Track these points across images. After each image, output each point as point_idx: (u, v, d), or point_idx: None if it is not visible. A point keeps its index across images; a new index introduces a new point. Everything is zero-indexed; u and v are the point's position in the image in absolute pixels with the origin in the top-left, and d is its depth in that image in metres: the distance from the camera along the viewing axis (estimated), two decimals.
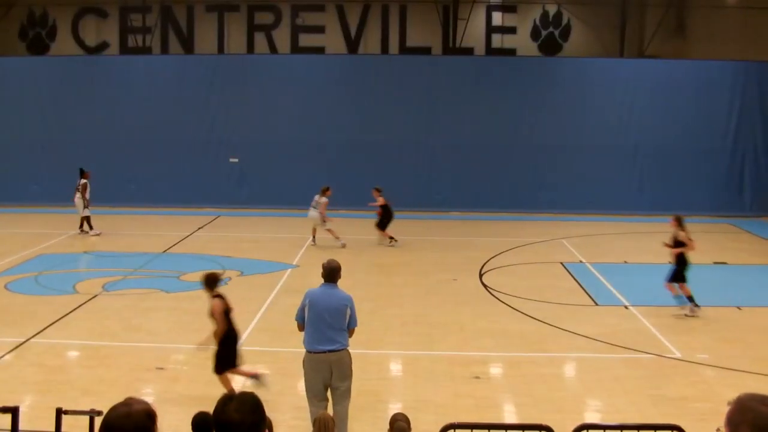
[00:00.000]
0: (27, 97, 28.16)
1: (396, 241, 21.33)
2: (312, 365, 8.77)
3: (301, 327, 8.87)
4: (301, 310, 8.84)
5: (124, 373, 11.75)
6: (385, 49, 30.73)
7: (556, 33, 30.21)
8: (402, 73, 28.05)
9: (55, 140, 27.87)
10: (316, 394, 8.80)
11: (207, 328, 13.72)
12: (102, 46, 32.09)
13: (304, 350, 8.89)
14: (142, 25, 30.92)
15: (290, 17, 31.13)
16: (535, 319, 14.68)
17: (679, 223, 15.31)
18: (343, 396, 8.86)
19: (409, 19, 30.69)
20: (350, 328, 8.90)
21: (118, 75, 28.52)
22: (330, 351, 8.70)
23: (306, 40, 30.92)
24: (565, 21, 30.16)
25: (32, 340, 13.15)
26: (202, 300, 15.52)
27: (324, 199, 20.86)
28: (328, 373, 8.73)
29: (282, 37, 31.16)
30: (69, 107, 27.94)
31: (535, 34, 30.35)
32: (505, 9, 30.66)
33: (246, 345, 12.92)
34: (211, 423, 4.09)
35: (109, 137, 27.57)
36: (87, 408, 8.04)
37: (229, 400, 4.03)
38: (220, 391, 9.08)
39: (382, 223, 21.61)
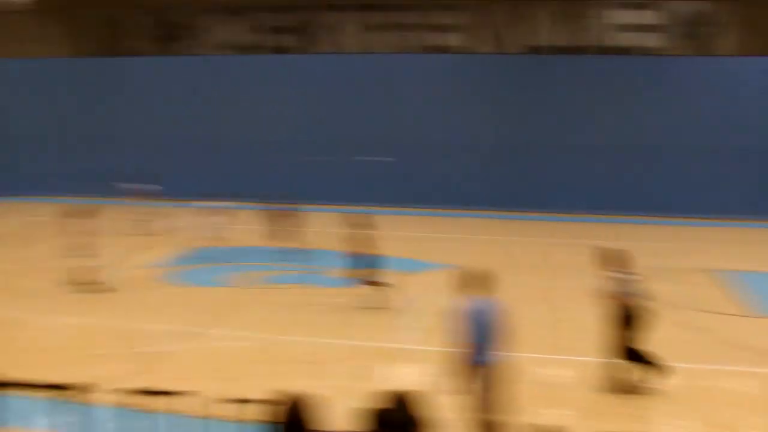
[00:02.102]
0: (157, 96, 29.60)
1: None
2: (473, 379, 8.64)
3: (463, 340, 8.62)
4: (463, 325, 8.59)
5: (278, 365, 11.91)
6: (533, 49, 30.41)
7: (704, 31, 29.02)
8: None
9: (192, 137, 29.21)
10: (472, 406, 8.68)
11: (359, 323, 13.78)
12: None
13: (453, 354, 8.77)
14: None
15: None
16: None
17: None
18: (494, 407, 8.73)
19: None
20: (502, 337, 8.72)
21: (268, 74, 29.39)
22: (487, 362, 8.58)
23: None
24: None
25: (193, 330, 13.55)
26: (356, 296, 15.67)
27: None
28: (488, 385, 8.61)
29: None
30: (214, 107, 29.15)
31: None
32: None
33: (400, 344, 12.98)
34: (384, 418, 4.05)
35: (243, 136, 28.77)
36: (241, 397, 8.21)
37: (401, 397, 3.99)
38: (374, 387, 9.07)
39: None
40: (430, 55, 30.25)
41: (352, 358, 12.38)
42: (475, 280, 8.76)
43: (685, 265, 19.27)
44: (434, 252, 20.06)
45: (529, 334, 12.91)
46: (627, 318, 10.52)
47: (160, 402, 7.97)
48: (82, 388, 5.11)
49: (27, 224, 24.50)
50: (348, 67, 28.75)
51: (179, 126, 29.07)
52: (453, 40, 30.83)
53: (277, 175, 27.26)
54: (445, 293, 15.42)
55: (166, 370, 11.79)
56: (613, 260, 10.71)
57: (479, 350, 8.56)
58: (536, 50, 29.81)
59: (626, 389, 10.62)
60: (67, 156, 29.43)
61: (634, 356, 10.56)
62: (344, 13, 31.60)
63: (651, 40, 29.34)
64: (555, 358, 12.52)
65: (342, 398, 10.30)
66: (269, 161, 28.08)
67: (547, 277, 17.84)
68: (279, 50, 31.74)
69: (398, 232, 22.85)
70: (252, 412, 6.97)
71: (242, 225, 23.30)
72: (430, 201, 26.86)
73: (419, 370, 11.86)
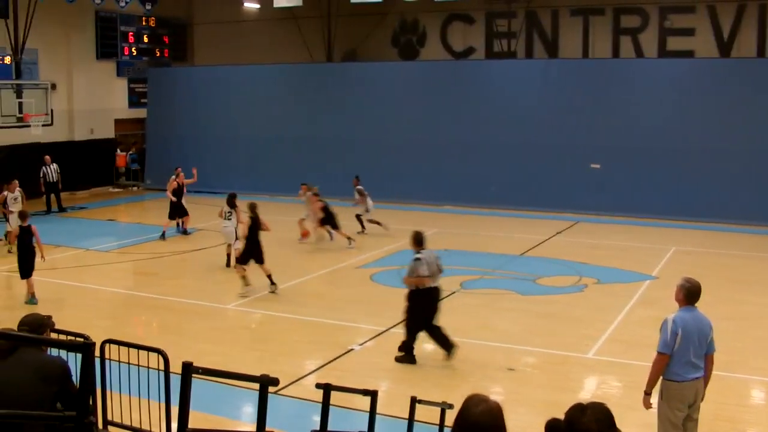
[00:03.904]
0: (396, 100, 29.74)
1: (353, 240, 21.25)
2: (680, 395, 8.21)
3: (667, 358, 8.13)
4: (672, 339, 8.07)
5: (475, 370, 11.99)
6: (761, 52, 28.60)
7: None
8: None
9: (421, 141, 29.08)
10: (676, 424, 8.27)
11: (558, 333, 13.69)
12: (468, 51, 33.21)
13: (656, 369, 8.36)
14: (507, 30, 31.54)
15: (658, 19, 30.07)
16: None
17: None
18: (695, 424, 8.33)
19: None
20: (709, 354, 8.30)
21: (484, 79, 29.14)
22: (696, 379, 8.17)
23: (674, 43, 29.70)
24: None
25: (392, 329, 13.86)
26: (557, 304, 15.60)
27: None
28: (693, 402, 8.22)
29: (649, 40, 30.20)
30: (436, 110, 29.04)
31: None
32: None
33: (598, 355, 12.70)
34: (564, 430, 3.98)
35: (472, 139, 28.27)
36: (438, 400, 8.31)
37: (584, 409, 3.91)
38: (570, 398, 8.92)
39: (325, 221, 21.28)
40: (649, 59, 29.29)
41: (547, 367, 12.25)
42: (689, 292, 8.36)
43: None
44: (639, 262, 19.41)
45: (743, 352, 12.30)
46: None
47: (343, 398, 8.22)
48: (272, 381, 5.36)
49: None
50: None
51: (406, 130, 29.48)
52: (676, 43, 29.73)
53: (506, 180, 27.35)
54: (653, 304, 15.14)
55: (357, 368, 12.15)
56: None
57: (686, 365, 8.20)
58: None
59: None
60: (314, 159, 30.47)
61: None
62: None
63: None
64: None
65: (534, 407, 10.28)
66: (504, 166, 27.95)
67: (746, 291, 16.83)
68: (494, 55, 31.88)
69: (606, 241, 22.34)
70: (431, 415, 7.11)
71: (468, 230, 23.67)
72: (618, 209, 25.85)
73: (618, 382, 11.58)
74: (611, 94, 26.82)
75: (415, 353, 12.31)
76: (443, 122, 28.82)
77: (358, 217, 23.01)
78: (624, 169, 26.46)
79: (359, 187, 22.91)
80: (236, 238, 18.25)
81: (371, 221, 22.87)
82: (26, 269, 15.64)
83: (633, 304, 15.69)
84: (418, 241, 12.34)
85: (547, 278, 17.66)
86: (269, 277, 16.40)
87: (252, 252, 16.32)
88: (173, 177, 22.78)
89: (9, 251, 19.65)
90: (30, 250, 15.70)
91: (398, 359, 12.32)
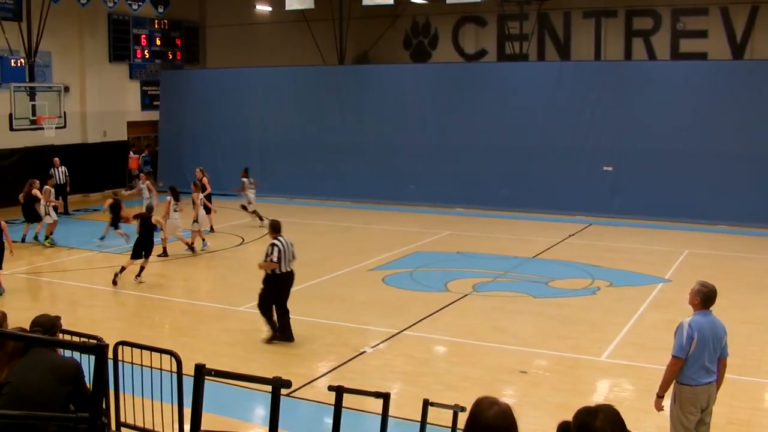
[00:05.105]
0: (408, 102, 29.73)
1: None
2: (693, 399, 8.16)
3: (681, 362, 8.10)
4: (687, 343, 8.03)
5: (487, 373, 11.97)
6: None
7: None
8: None
9: (433, 144, 29.09)
10: (689, 428, 8.21)
11: (570, 336, 13.66)
12: (481, 54, 33.23)
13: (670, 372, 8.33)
14: (519, 32, 31.51)
15: (670, 21, 29.99)
16: None
17: None
18: (708, 428, 8.30)
19: None
20: (722, 358, 8.26)
21: (496, 82, 29.08)
22: (709, 383, 8.14)
23: (687, 45, 29.61)
24: None
25: (404, 332, 13.86)
26: (570, 307, 15.57)
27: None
28: (706, 406, 8.18)
29: (661, 42, 30.13)
30: (448, 113, 29.02)
31: None
32: None
33: (611, 358, 12.66)
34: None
35: (484, 142, 28.24)
36: (451, 403, 8.29)
37: (595, 412, 3.89)
38: (582, 401, 8.90)
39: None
40: (662, 62, 29.18)
41: (560, 370, 12.22)
42: (705, 296, 8.31)
43: None
44: (652, 265, 19.34)
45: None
46: None
47: (354, 401, 8.21)
48: (285, 383, 5.37)
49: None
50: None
51: (417, 132, 29.46)
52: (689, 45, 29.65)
53: (524, 182, 27.35)
54: (666, 308, 15.08)
55: (369, 370, 12.15)
56: None
57: (700, 369, 8.16)
58: None
59: None
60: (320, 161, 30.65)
61: None
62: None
63: None
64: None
65: (546, 410, 10.25)
66: (522, 168, 27.88)
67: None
68: (506, 58, 31.87)
69: (619, 244, 22.27)
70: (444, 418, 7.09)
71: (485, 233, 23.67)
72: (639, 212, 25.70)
73: (630, 385, 11.54)
74: (623, 97, 26.66)
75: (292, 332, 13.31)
76: (455, 125, 28.75)
77: (243, 208, 24.89)
78: (637, 171, 26.32)
79: (245, 179, 24.66)
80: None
81: (248, 210, 24.72)
82: None
83: (646, 307, 15.63)
84: (275, 228, 13.43)
85: (560, 281, 17.62)
86: (142, 269, 17.55)
87: (144, 246, 17.61)
88: (199, 178, 23.21)
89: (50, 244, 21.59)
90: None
91: (268, 341, 13.28)
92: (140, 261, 17.63)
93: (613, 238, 23.13)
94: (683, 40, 29.73)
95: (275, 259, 12.98)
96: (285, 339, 13.28)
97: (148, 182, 24.69)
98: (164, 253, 20.19)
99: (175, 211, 20.46)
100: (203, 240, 21.35)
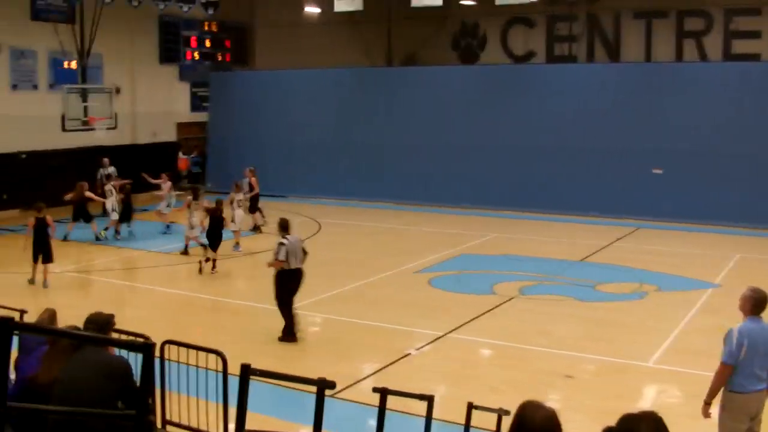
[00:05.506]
0: (456, 104, 29.61)
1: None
2: (743, 407, 8.03)
3: (730, 369, 7.95)
4: (737, 350, 7.88)
5: (532, 376, 11.90)
6: None
7: None
8: None
9: (481, 145, 28.92)
10: None
11: (617, 340, 13.52)
12: (529, 55, 33.02)
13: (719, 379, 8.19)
14: (568, 33, 31.28)
15: (723, 22, 29.54)
16: None
17: None
18: None
19: None
20: None
21: (545, 83, 28.84)
22: (759, 391, 8.00)
23: (740, 46, 29.14)
24: None
25: (449, 334, 13.83)
26: (616, 311, 15.42)
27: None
28: (755, 414, 8.05)
29: (713, 43, 29.70)
30: (495, 114, 28.84)
31: None
32: None
33: (658, 363, 12.51)
34: None
35: (531, 144, 28.02)
36: (495, 406, 8.25)
37: (640, 419, 3.86)
38: (628, 406, 8.81)
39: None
40: (713, 63, 28.76)
41: (605, 374, 12.11)
42: (756, 302, 8.17)
43: None
44: (701, 269, 19.07)
45: None
46: None
47: (399, 402, 8.21)
48: (329, 384, 5.39)
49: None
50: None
51: (465, 134, 29.27)
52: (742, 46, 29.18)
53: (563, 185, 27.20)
54: (715, 313, 14.86)
55: (414, 372, 12.14)
56: None
57: (750, 377, 8.03)
58: None
59: None
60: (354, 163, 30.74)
61: None
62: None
63: None
64: None
65: (589, 415, 10.15)
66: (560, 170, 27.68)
67: None
68: (555, 59, 31.64)
69: (668, 248, 22.00)
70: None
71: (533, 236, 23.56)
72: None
73: (678, 391, 11.40)
74: (674, 98, 26.26)
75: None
76: (503, 126, 28.55)
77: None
78: (687, 174, 25.90)
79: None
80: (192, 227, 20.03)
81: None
82: None
83: (695, 312, 15.43)
84: (284, 227, 13.67)
85: (607, 284, 17.45)
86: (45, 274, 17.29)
87: (42, 249, 17.24)
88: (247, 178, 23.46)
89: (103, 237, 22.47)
90: None
91: (281, 339, 13.39)
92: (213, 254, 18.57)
93: (661, 241, 22.85)
94: (736, 40, 29.26)
95: (282, 258, 13.27)
96: (287, 336, 13.52)
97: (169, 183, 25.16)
98: (185, 251, 20.41)
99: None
100: (236, 243, 21.33)
